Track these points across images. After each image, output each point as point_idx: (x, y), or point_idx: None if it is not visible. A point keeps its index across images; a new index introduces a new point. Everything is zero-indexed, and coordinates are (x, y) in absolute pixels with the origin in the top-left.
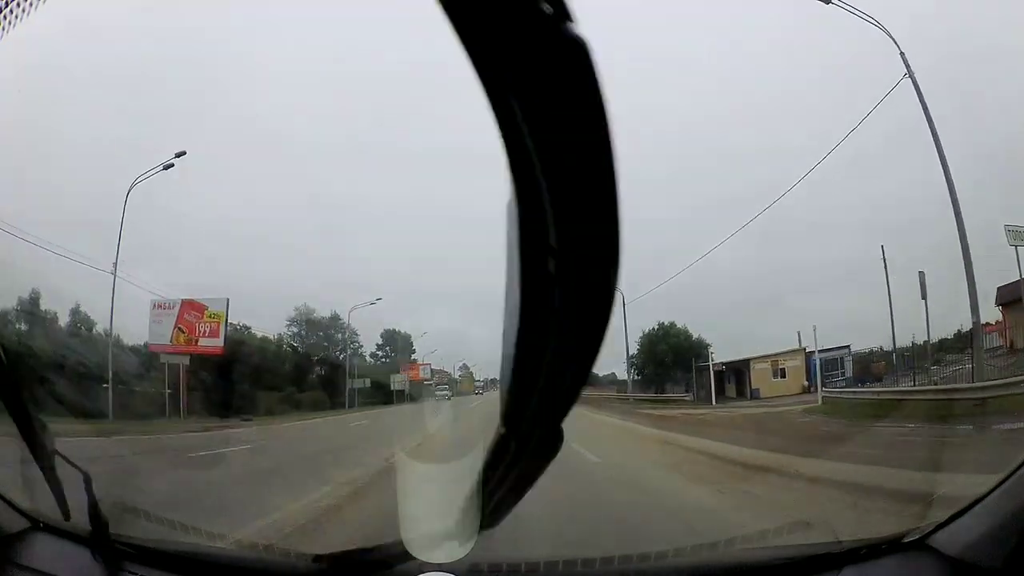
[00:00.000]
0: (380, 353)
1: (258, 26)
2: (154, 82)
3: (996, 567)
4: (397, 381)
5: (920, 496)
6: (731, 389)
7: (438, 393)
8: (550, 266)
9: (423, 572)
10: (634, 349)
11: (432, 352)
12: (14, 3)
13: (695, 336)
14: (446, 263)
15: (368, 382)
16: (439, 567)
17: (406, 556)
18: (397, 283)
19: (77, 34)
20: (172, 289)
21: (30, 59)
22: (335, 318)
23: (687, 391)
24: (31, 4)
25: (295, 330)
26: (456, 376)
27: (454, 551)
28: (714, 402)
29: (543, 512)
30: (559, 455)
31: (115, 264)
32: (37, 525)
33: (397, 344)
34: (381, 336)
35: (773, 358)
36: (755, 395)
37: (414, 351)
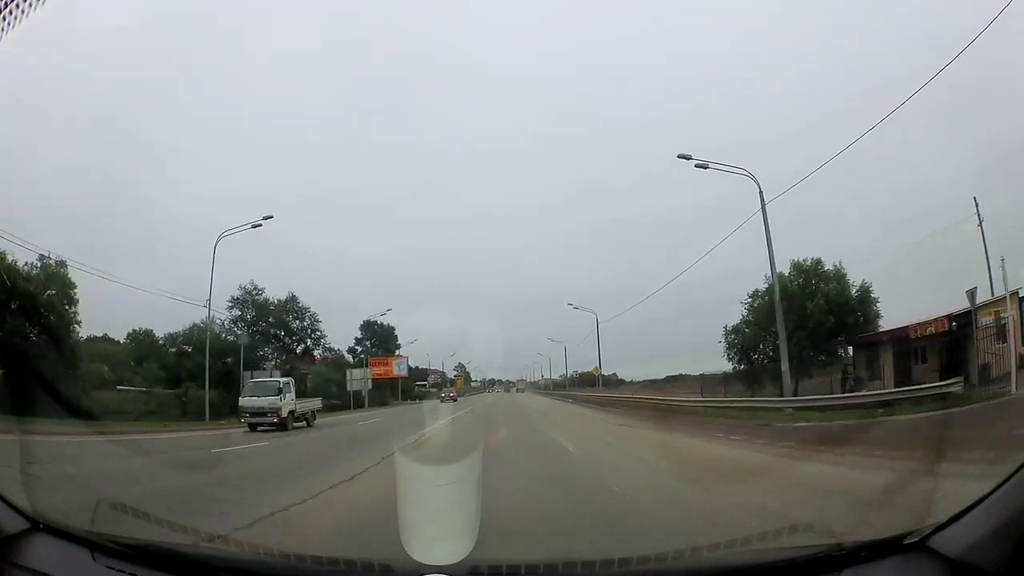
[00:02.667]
0: (359, 348)
1: (255, 21)
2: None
3: (996, 569)
4: (355, 379)
5: None
6: (924, 369)
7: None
8: None
9: (423, 575)
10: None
11: (412, 342)
12: (13, 3)
13: (858, 283)
14: (445, 259)
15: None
16: (439, 569)
17: (406, 559)
18: (392, 276)
19: (68, 33)
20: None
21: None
22: (291, 300)
23: (845, 379)
24: (30, 5)
25: (237, 312)
26: (451, 375)
27: (453, 553)
28: None
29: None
30: None
31: None
32: (37, 525)
33: (378, 336)
34: (360, 328)
35: (995, 307)
36: (987, 377)
37: (398, 344)
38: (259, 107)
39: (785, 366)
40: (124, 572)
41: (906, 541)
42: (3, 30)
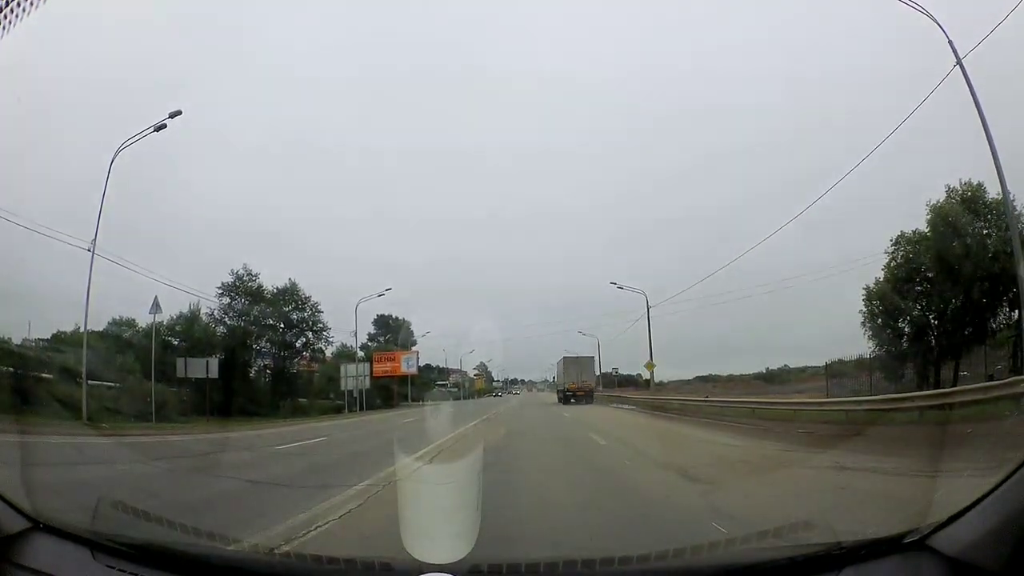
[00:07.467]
0: (372, 344)
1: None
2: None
3: (995, 568)
4: (350, 375)
5: None
6: None
7: None
8: None
9: (424, 573)
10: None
11: (425, 335)
12: (14, 3)
13: None
14: (465, 261)
15: (212, 364)
16: (439, 568)
17: (407, 558)
18: (413, 274)
19: (80, 33)
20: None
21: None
22: (289, 289)
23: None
24: (31, 4)
25: (227, 300)
26: (472, 374)
27: (454, 552)
28: None
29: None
30: None
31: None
32: (37, 525)
33: (392, 331)
34: (373, 323)
35: None
36: None
37: (414, 340)
38: (283, 111)
39: None
40: (125, 572)
41: (906, 540)
42: (4, 29)
